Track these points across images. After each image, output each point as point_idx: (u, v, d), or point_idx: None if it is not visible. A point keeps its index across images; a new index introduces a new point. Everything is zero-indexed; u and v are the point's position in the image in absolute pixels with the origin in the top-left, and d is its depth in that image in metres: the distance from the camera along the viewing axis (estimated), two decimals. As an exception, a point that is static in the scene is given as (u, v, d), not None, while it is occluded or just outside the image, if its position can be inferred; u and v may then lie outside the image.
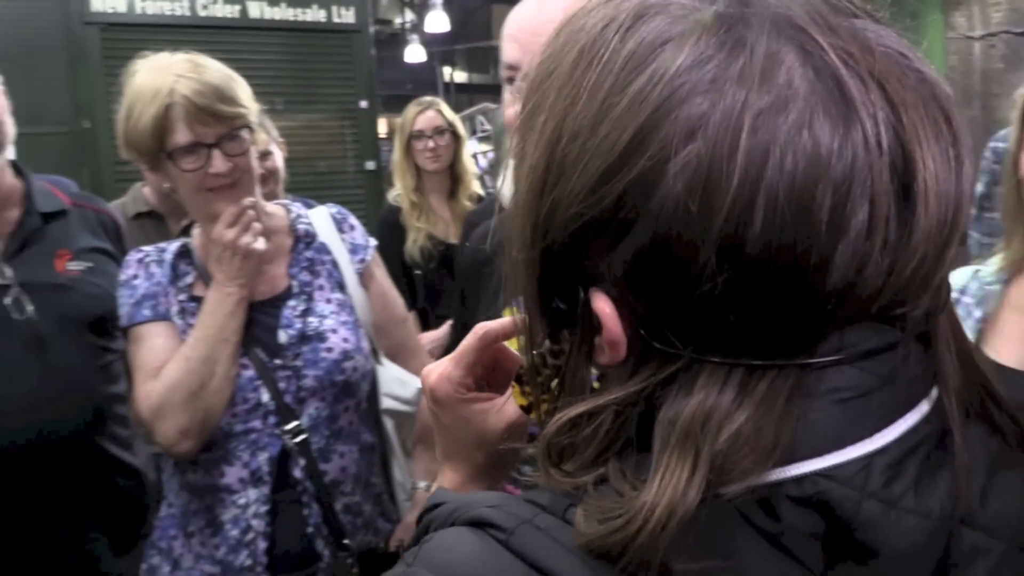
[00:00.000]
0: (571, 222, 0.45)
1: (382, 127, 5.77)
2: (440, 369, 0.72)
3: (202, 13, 4.30)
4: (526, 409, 0.56)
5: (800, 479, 0.42)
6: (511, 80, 1.09)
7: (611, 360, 0.47)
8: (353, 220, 1.68)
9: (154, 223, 2.47)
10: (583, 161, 0.44)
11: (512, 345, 0.73)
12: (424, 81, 10.58)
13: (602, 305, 0.46)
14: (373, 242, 1.69)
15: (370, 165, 4.71)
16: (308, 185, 3.88)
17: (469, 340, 0.72)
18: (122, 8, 4.13)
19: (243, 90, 1.48)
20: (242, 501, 1.46)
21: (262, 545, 1.46)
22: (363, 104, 4.68)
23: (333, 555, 1.50)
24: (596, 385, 0.51)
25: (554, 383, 0.53)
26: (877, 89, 0.42)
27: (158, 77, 1.42)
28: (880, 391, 0.44)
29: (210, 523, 1.48)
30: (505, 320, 0.73)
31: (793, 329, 0.43)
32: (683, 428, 0.43)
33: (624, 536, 0.41)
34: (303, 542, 1.49)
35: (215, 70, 1.45)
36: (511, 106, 1.10)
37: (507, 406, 0.71)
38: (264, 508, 1.46)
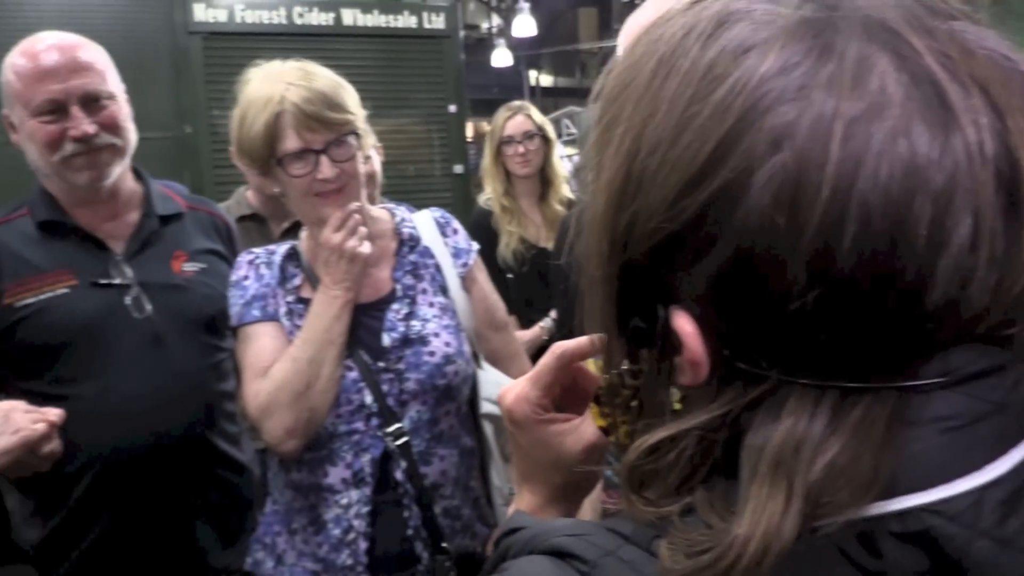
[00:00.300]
0: (651, 237, 0.44)
1: (468, 131, 5.82)
2: (517, 389, 0.71)
3: (298, 21, 4.43)
4: (605, 431, 0.55)
5: (903, 514, 0.39)
6: None
7: (692, 381, 0.45)
8: (456, 224, 1.68)
9: (256, 225, 2.54)
10: (663, 173, 0.43)
11: (591, 365, 0.71)
12: (510, 85, 10.65)
13: (683, 324, 0.44)
14: (476, 246, 1.69)
15: (458, 169, 4.76)
16: (397, 189, 3.94)
17: (547, 360, 0.70)
18: (223, 18, 4.29)
19: (351, 96, 1.50)
20: (344, 501, 1.48)
21: (363, 545, 1.47)
22: (452, 108, 4.73)
23: (432, 558, 1.51)
24: (677, 406, 0.48)
25: (633, 404, 0.51)
26: (979, 94, 0.39)
27: (269, 85, 1.45)
28: (990, 418, 0.40)
29: (313, 521, 1.51)
30: (583, 339, 0.70)
31: (890, 350, 0.40)
32: (773, 456, 0.40)
33: (715, 572, 0.39)
34: (403, 544, 1.50)
35: (324, 77, 1.48)
36: None
37: (585, 427, 0.69)
38: (366, 509, 1.48)
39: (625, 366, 0.50)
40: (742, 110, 0.40)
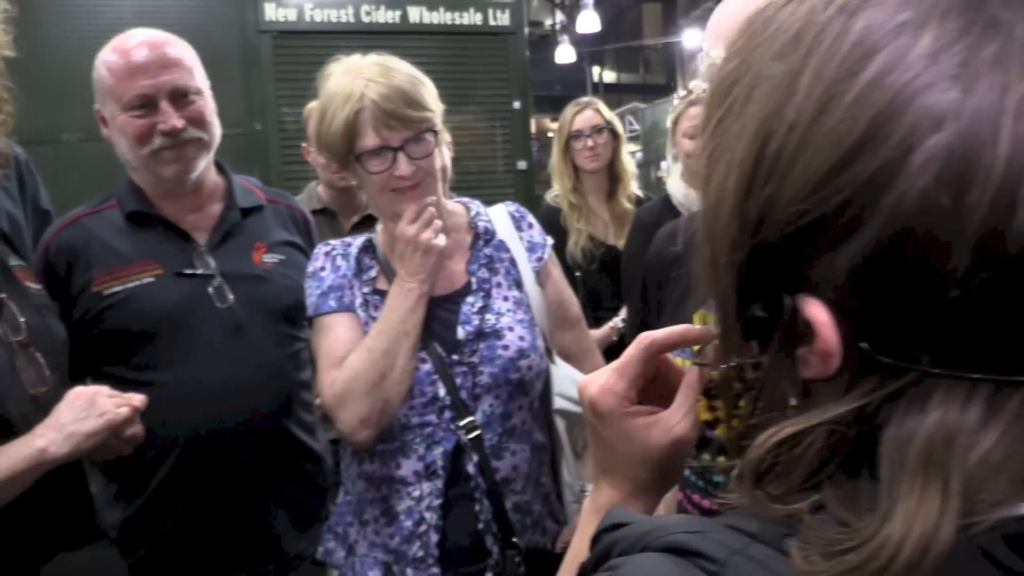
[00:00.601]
0: (788, 223, 0.42)
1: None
2: (601, 380, 0.69)
3: (365, 19, 4.49)
4: (710, 424, 0.53)
5: None
6: None
7: (820, 373, 0.43)
8: (531, 218, 1.68)
9: (327, 220, 2.58)
10: (805, 155, 0.41)
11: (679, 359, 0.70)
12: (573, 82, 10.62)
13: (817, 312, 0.42)
14: (550, 241, 1.68)
15: (522, 165, 4.76)
16: (460, 185, 3.96)
17: (633, 351, 0.68)
18: (292, 17, 4.37)
19: (429, 92, 1.50)
20: (416, 493, 1.49)
21: (434, 538, 1.48)
22: (516, 105, 4.73)
23: (502, 552, 1.50)
24: (792, 402, 0.46)
25: (744, 398, 0.49)
26: None
27: (349, 81, 1.46)
28: None
29: (385, 512, 1.52)
30: (672, 329, 0.69)
31: None
32: (923, 451, 0.38)
33: (865, 574, 0.37)
34: (473, 538, 1.50)
35: (404, 74, 1.48)
36: None
37: (672, 421, 0.67)
38: (437, 502, 1.48)
39: (740, 359, 0.49)
40: (896, 88, 0.38)
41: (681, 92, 3.42)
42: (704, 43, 1.12)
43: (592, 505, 0.72)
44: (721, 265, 0.46)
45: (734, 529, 0.44)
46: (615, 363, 0.70)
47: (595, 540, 0.53)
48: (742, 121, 0.44)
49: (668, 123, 2.87)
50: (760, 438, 0.44)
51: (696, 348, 0.69)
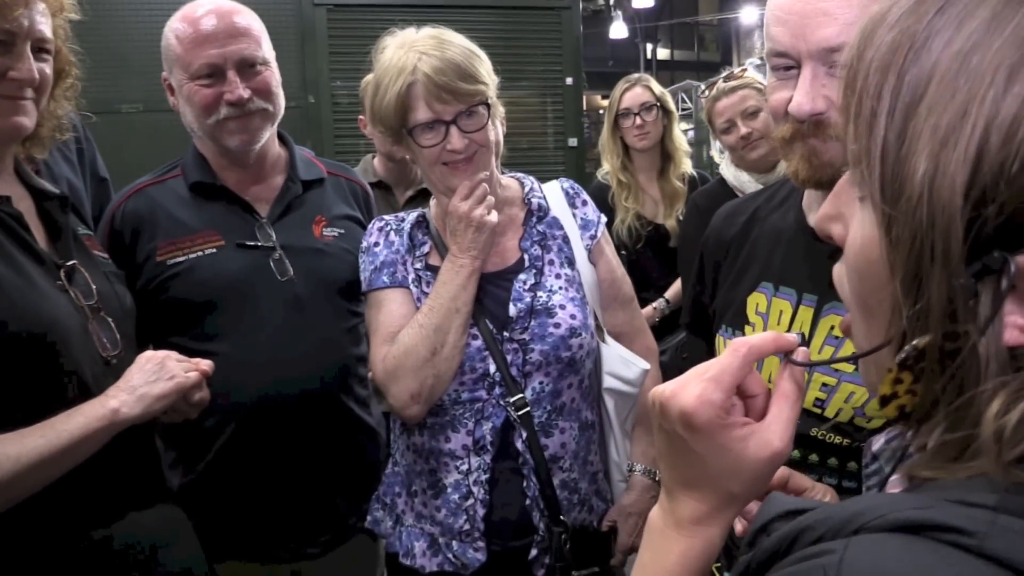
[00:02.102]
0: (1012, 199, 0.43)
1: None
2: (696, 391, 0.65)
3: (419, -7, 4.47)
4: (886, 399, 0.51)
5: None
6: (781, 68, 1.03)
7: None
8: (585, 196, 1.66)
9: (381, 193, 2.59)
10: None
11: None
12: (625, 58, 10.49)
13: None
14: (604, 219, 1.66)
15: (573, 142, 4.73)
16: (511, 161, 3.95)
17: (730, 359, 0.65)
18: (347, -11, 4.38)
19: (483, 65, 1.49)
20: (464, 467, 1.50)
21: (481, 511, 1.49)
22: (569, 81, 4.69)
23: (548, 529, 1.51)
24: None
25: (934, 370, 0.48)
26: None
27: (403, 54, 1.45)
28: None
29: (433, 485, 1.53)
30: (765, 336, 0.67)
31: None
32: None
33: None
34: (520, 513, 1.51)
35: (457, 47, 1.47)
36: (777, 92, 1.04)
37: (770, 434, 0.65)
38: (485, 476, 1.49)
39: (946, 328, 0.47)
40: None
41: (703, 88, 3.34)
42: (764, 26, 1.09)
43: (670, 518, 0.69)
44: (940, 230, 0.46)
45: (963, 503, 0.43)
46: (705, 372, 0.66)
47: (760, 532, 0.51)
48: (951, 109, 0.45)
49: (703, 116, 2.83)
50: (1014, 412, 0.44)
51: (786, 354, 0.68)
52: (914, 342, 0.48)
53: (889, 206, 0.48)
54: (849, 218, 0.56)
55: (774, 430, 0.65)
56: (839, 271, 0.59)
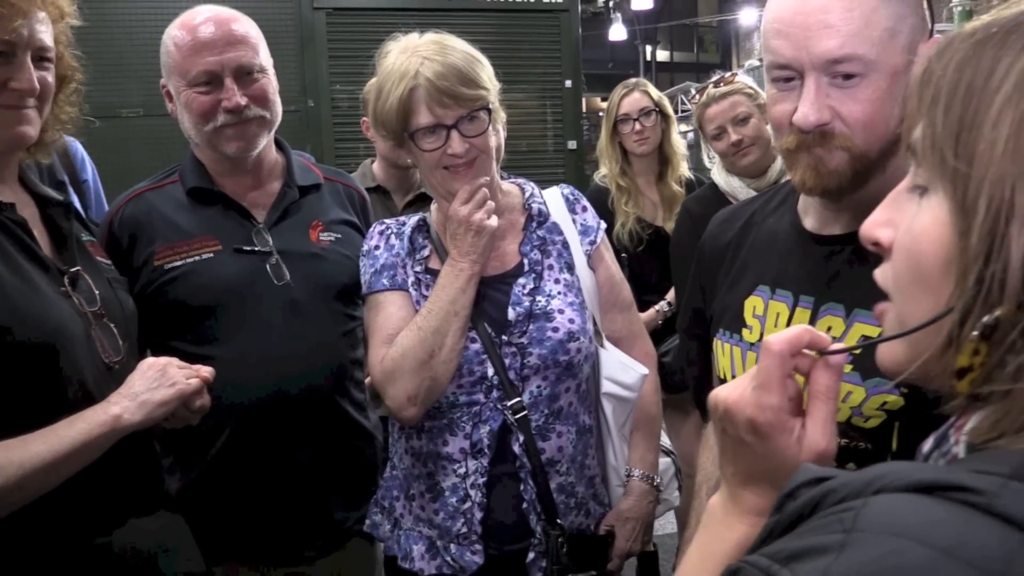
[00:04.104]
0: None
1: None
2: (750, 397, 0.69)
3: (419, -4, 4.48)
4: (961, 372, 0.53)
5: None
6: (782, 79, 1.04)
7: None
8: (585, 201, 1.67)
9: (380, 198, 2.60)
10: None
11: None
12: (625, 60, 10.50)
13: None
14: (603, 224, 1.67)
15: (572, 144, 4.74)
16: (510, 164, 3.96)
17: (768, 360, 0.69)
18: (347, -6, 4.39)
19: (485, 71, 1.50)
20: (462, 470, 1.51)
21: (478, 515, 1.50)
22: (568, 83, 4.70)
23: (545, 532, 1.52)
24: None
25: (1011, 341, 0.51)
26: None
27: (405, 59, 1.46)
28: None
29: (431, 488, 1.54)
30: (796, 329, 0.70)
31: None
32: None
33: None
34: (517, 517, 1.52)
35: (460, 52, 1.48)
36: (779, 104, 1.05)
37: (816, 436, 0.68)
38: (482, 479, 1.50)
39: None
40: None
41: (693, 92, 3.35)
42: (762, 37, 1.10)
43: (732, 507, 0.74)
44: (1009, 202, 0.49)
45: (979, 472, 0.45)
46: (751, 379, 0.71)
47: (788, 497, 0.54)
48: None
49: (694, 122, 2.84)
50: None
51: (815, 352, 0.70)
52: (996, 312, 0.50)
53: (965, 166, 0.52)
54: (899, 222, 0.59)
55: (818, 433, 0.69)
56: (883, 271, 0.62)
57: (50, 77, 1.32)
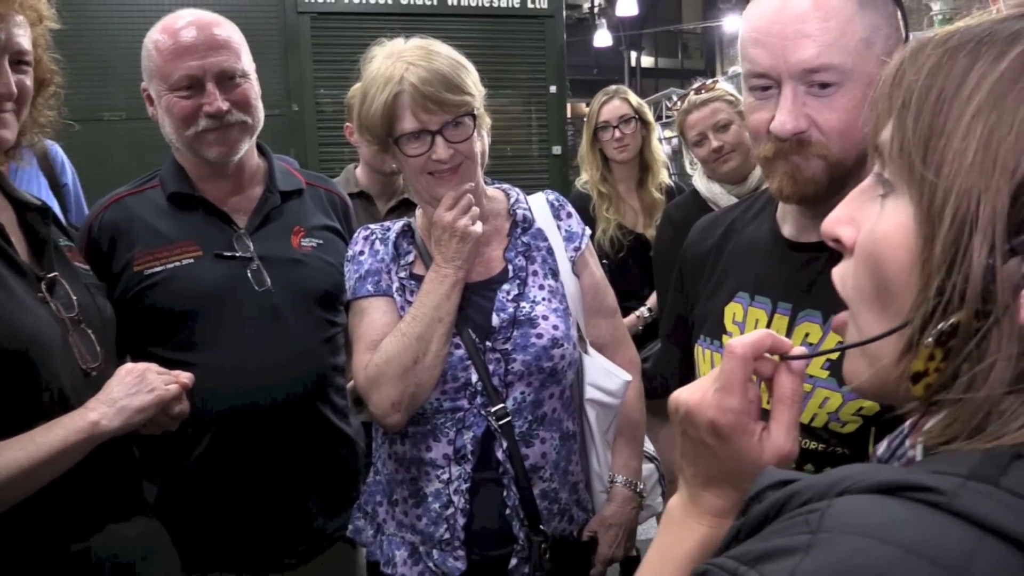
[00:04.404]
0: None
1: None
2: (712, 400, 0.70)
3: (404, 1, 4.49)
4: (916, 377, 0.54)
5: None
6: (759, 88, 1.05)
7: None
8: (570, 208, 1.67)
9: (363, 203, 2.60)
10: None
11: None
12: (610, 66, 10.54)
13: None
14: (588, 231, 1.68)
15: (556, 150, 4.75)
16: (494, 169, 3.97)
17: (730, 363, 0.69)
18: (331, -2, 4.38)
19: (470, 76, 1.50)
20: (445, 476, 1.51)
21: (461, 520, 1.50)
22: (553, 89, 4.71)
23: (528, 538, 1.52)
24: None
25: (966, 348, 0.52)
26: None
27: (390, 64, 1.46)
28: None
29: (414, 494, 1.54)
30: (758, 334, 0.70)
31: None
32: None
33: None
34: (500, 523, 1.52)
35: (445, 57, 1.48)
36: (756, 112, 1.06)
37: (779, 440, 0.69)
38: (465, 485, 1.50)
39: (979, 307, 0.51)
40: None
41: (675, 99, 3.38)
42: (740, 47, 1.11)
43: (691, 509, 0.74)
44: (986, 215, 0.50)
45: (938, 473, 0.47)
46: (712, 381, 0.71)
47: (753, 500, 0.55)
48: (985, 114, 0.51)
49: (675, 129, 2.85)
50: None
51: (777, 356, 0.71)
52: (952, 319, 0.51)
53: (933, 174, 0.53)
54: (862, 221, 0.60)
55: (781, 436, 0.70)
56: (841, 270, 0.62)
57: (28, 81, 1.31)
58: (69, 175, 2.25)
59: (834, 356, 0.97)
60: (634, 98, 3.15)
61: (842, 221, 0.62)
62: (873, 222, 0.58)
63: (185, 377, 1.35)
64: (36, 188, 2.04)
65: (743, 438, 0.69)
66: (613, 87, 3.23)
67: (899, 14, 1.05)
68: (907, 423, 0.59)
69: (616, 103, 3.05)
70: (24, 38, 1.29)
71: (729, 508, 0.71)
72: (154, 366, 1.33)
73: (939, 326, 0.51)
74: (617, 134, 3.01)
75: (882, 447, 0.62)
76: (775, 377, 0.71)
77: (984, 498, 0.45)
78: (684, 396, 0.73)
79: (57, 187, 2.10)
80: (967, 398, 0.50)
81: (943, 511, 0.44)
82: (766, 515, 0.52)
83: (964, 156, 0.52)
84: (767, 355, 0.71)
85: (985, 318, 0.50)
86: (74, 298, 1.34)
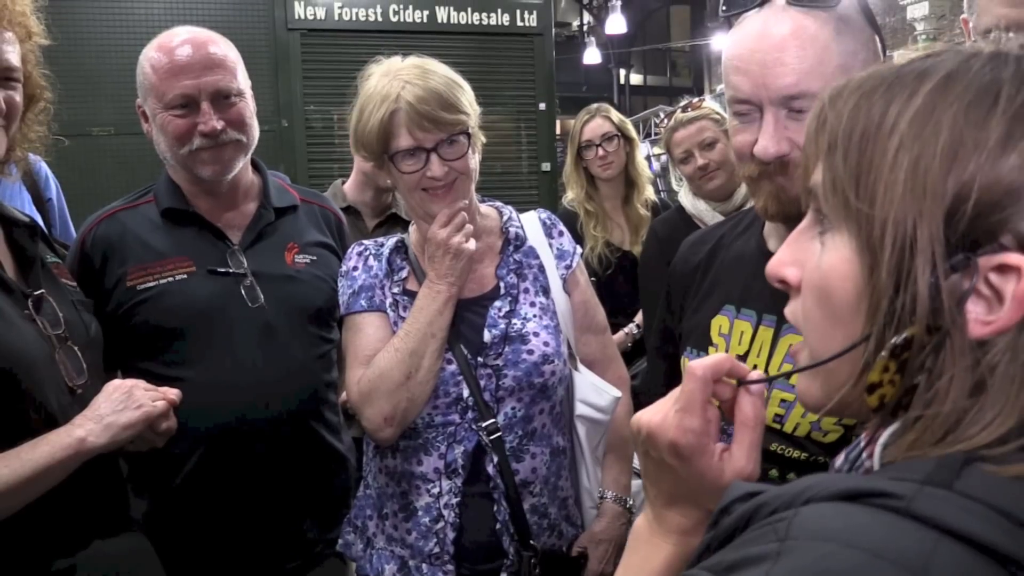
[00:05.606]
0: (990, 192, 0.51)
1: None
2: (673, 421, 0.71)
3: (393, 19, 4.51)
4: (871, 388, 0.56)
5: None
6: (741, 114, 1.08)
7: (1004, 326, 0.51)
8: (562, 226, 1.69)
9: (351, 218, 2.59)
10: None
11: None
12: (599, 83, 10.62)
13: (1017, 259, 0.50)
14: (579, 249, 1.70)
15: (546, 167, 4.77)
16: (484, 186, 3.98)
17: (691, 384, 0.71)
18: (321, 15, 4.41)
19: (465, 95, 1.52)
20: (435, 490, 1.51)
21: (451, 535, 1.50)
22: (542, 106, 4.74)
23: (518, 553, 1.52)
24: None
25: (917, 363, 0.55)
26: None
27: (387, 82, 1.48)
28: None
29: (404, 508, 1.54)
30: (717, 357, 0.72)
31: None
32: None
33: None
34: (490, 537, 1.52)
35: (441, 76, 1.50)
36: (740, 134, 1.09)
37: (740, 462, 0.71)
38: (456, 499, 1.50)
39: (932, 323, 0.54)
40: None
41: (662, 116, 3.40)
42: (723, 73, 1.13)
43: (656, 528, 0.76)
44: (926, 237, 0.53)
45: (896, 479, 0.49)
46: (673, 402, 0.72)
47: (722, 513, 0.56)
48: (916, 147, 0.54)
49: (662, 146, 2.87)
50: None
51: (735, 380, 0.73)
52: (904, 333, 0.53)
53: (868, 207, 0.56)
54: (804, 260, 0.62)
55: (742, 458, 0.71)
56: (792, 308, 0.65)
57: (17, 97, 1.32)
58: (53, 190, 2.25)
59: (793, 380, 0.99)
60: (616, 115, 3.17)
61: (786, 263, 0.65)
62: (816, 258, 0.61)
63: (172, 394, 1.34)
64: (20, 203, 2.04)
65: (703, 458, 0.71)
66: (595, 105, 3.25)
67: (876, 39, 1.07)
68: (863, 436, 0.61)
69: (598, 121, 3.07)
70: (13, 54, 1.29)
71: (693, 526, 0.73)
72: (141, 382, 1.33)
73: (893, 340, 0.54)
74: (600, 152, 3.03)
75: (839, 459, 0.64)
76: (737, 401, 0.73)
77: (940, 501, 0.47)
78: (645, 418, 0.74)
79: (41, 202, 2.09)
80: (930, 413, 0.53)
81: (902, 515, 0.47)
82: (735, 526, 0.53)
83: (895, 187, 0.54)
84: (725, 379, 0.73)
85: (937, 332, 0.53)
86: (61, 315, 1.34)
